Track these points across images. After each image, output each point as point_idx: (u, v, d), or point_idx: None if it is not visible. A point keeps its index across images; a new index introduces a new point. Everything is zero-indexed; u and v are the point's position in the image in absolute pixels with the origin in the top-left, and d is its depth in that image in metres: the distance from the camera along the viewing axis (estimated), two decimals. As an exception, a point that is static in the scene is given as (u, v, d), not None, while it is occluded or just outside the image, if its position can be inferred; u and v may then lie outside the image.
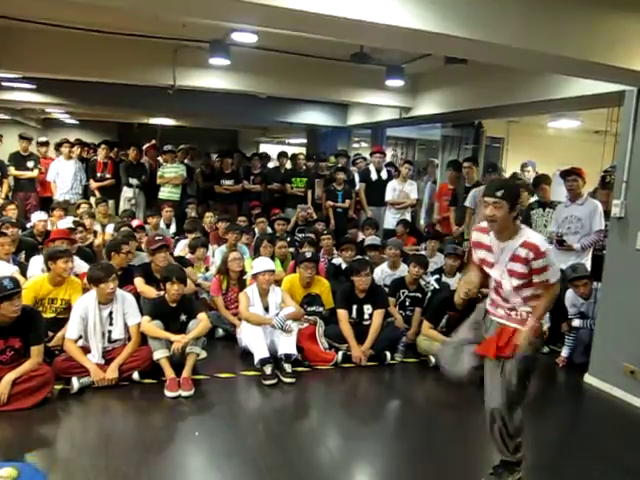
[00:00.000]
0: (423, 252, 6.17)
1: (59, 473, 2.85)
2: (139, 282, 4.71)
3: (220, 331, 4.99)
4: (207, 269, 5.80)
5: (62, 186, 8.06)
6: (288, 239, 6.50)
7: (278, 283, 4.93)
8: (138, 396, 3.81)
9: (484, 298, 2.98)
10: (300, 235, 7.34)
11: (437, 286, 5.50)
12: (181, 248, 6.13)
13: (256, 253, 5.80)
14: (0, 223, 5.29)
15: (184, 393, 3.75)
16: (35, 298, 4.09)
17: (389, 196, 7.51)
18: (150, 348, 3.94)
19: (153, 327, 3.99)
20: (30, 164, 8.05)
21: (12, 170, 7.97)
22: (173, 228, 7.28)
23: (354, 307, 4.76)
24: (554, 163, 7.61)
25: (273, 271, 4.69)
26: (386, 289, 5.21)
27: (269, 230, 6.97)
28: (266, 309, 4.55)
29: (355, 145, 13.45)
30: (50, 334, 4.05)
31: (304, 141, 12.98)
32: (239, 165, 8.97)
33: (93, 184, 8.08)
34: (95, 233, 6.45)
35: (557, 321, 4.93)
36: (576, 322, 4.79)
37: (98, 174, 8.05)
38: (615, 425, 3.91)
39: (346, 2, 2.83)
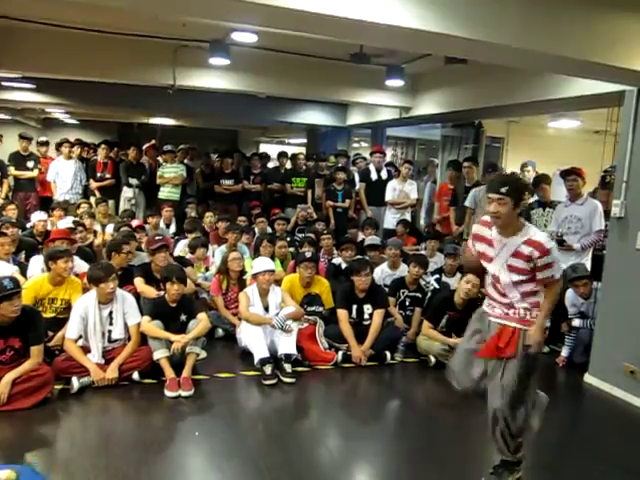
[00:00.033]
0: (423, 252, 6.17)
1: (59, 473, 2.85)
2: (139, 282, 4.71)
3: (220, 331, 4.99)
4: (207, 269, 5.80)
5: (62, 186, 8.06)
6: (288, 239, 6.50)
7: (278, 283, 4.93)
8: (138, 396, 3.81)
9: (484, 298, 2.97)
10: (300, 235, 7.34)
11: (437, 286, 5.50)
12: (181, 248, 6.13)
13: (256, 253, 5.80)
14: (0, 223, 5.29)
15: (184, 393, 3.75)
16: (35, 298, 4.09)
17: (389, 196, 7.50)
18: (150, 348, 3.94)
19: (153, 327, 3.99)
20: (30, 164, 8.05)
21: (12, 170, 7.97)
22: (173, 228, 7.28)
23: (354, 307, 4.76)
24: (554, 163, 7.60)
25: (273, 271, 4.69)
26: (386, 289, 5.21)
27: (269, 230, 6.98)
28: (266, 309, 4.55)
29: (355, 145, 13.45)
30: (50, 334, 4.05)
31: (304, 141, 12.98)
32: (239, 165, 8.97)
33: (93, 184, 8.08)
34: (95, 233, 6.45)
35: (557, 321, 4.93)
36: (576, 322, 4.79)
37: (98, 174, 8.05)
38: (615, 425, 3.91)
39: (347, 2, 2.83)
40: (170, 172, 7.93)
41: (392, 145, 13.05)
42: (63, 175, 8.08)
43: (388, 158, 10.65)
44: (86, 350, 3.88)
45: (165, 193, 7.91)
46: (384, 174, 7.81)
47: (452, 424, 3.72)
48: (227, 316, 5.01)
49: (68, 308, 4.10)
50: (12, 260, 4.91)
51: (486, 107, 6.37)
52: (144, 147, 8.89)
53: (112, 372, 3.80)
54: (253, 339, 4.27)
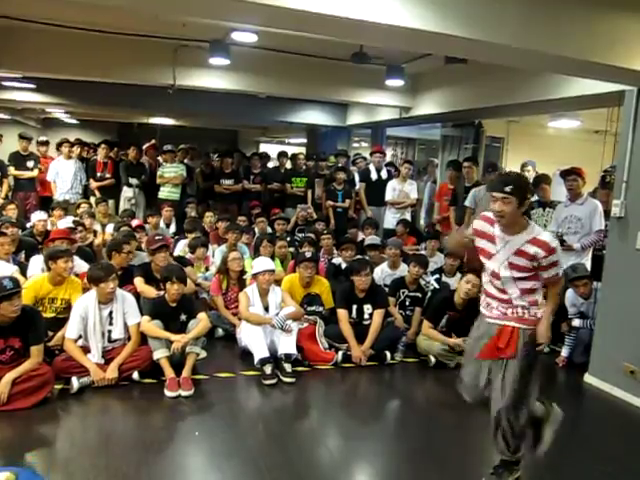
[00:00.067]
0: (423, 252, 6.17)
1: (59, 473, 2.85)
2: (139, 282, 4.71)
3: (220, 331, 4.99)
4: (207, 269, 5.80)
5: (62, 186, 8.06)
6: (288, 239, 6.51)
7: (278, 283, 4.93)
8: (138, 396, 3.81)
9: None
10: (300, 235, 7.34)
11: (437, 286, 5.51)
12: (181, 248, 6.13)
13: (256, 253, 5.80)
14: (0, 223, 5.29)
15: (184, 393, 3.75)
16: (35, 298, 4.09)
17: (389, 196, 7.50)
18: (150, 348, 3.94)
19: (153, 327, 3.99)
20: (30, 164, 8.05)
21: (12, 170, 7.96)
22: (173, 228, 7.28)
23: (354, 307, 4.76)
24: (554, 163, 7.60)
25: (273, 271, 4.69)
26: (386, 289, 5.21)
27: (269, 230, 6.98)
28: (266, 309, 4.55)
29: (355, 145, 13.44)
30: (50, 334, 4.05)
31: (304, 141, 12.98)
32: (239, 165, 8.97)
33: (93, 184, 8.08)
34: (95, 233, 6.45)
35: (557, 321, 4.92)
36: (576, 322, 4.79)
37: (98, 174, 8.05)
38: (615, 425, 3.91)
39: (348, 2, 2.83)
40: (170, 172, 7.93)
41: (392, 145, 13.05)
42: (63, 175, 8.08)
43: (388, 158, 10.65)
44: (86, 350, 3.88)
45: (165, 193, 7.92)
46: (384, 174, 7.81)
47: (452, 424, 3.72)
48: (227, 316, 5.01)
49: (68, 308, 4.10)
50: (12, 260, 4.91)
51: (486, 107, 6.36)
52: (144, 147, 8.89)
53: (112, 372, 3.80)
54: (253, 339, 4.27)
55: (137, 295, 4.46)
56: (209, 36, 5.91)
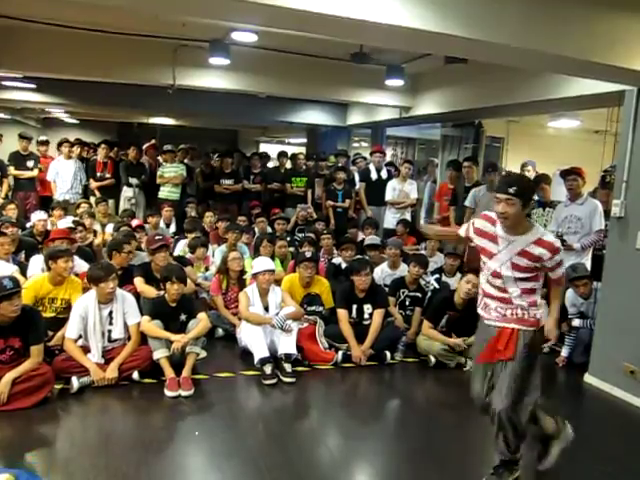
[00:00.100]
0: (423, 252, 6.17)
1: (59, 473, 2.85)
2: (139, 282, 4.71)
3: (220, 331, 4.99)
4: (207, 269, 5.80)
5: (62, 186, 8.05)
6: (288, 239, 6.51)
7: (278, 283, 4.93)
8: (138, 396, 3.81)
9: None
10: (300, 235, 7.34)
11: (437, 286, 5.51)
12: (181, 248, 6.13)
13: (256, 253, 5.80)
14: (0, 223, 5.29)
15: (184, 393, 3.75)
16: (35, 297, 4.09)
17: (389, 196, 7.50)
18: (150, 348, 3.94)
19: (153, 327, 3.99)
20: (30, 163, 8.04)
21: (12, 170, 7.96)
22: (173, 228, 7.28)
23: (354, 307, 4.76)
24: (554, 163, 7.61)
25: (273, 271, 4.69)
26: (386, 289, 5.21)
27: (269, 230, 6.98)
28: (266, 309, 4.55)
29: (355, 145, 13.44)
30: (50, 333, 4.05)
31: (304, 141, 12.98)
32: (239, 165, 8.97)
33: (93, 184, 8.08)
34: (95, 233, 6.46)
35: (557, 321, 4.92)
36: (576, 322, 4.79)
37: (98, 174, 8.05)
38: (615, 425, 3.91)
39: (349, 2, 2.83)
40: (170, 172, 7.93)
41: (392, 145, 13.06)
42: (63, 175, 8.08)
43: (388, 158, 10.65)
44: (86, 350, 3.88)
45: (165, 193, 7.92)
46: (384, 174, 7.81)
47: (452, 424, 3.72)
48: (227, 316, 5.01)
49: (68, 308, 4.10)
50: (12, 260, 4.91)
51: (486, 107, 6.36)
52: (144, 147, 8.89)
53: (112, 372, 3.80)
54: (253, 339, 4.27)
55: (137, 295, 4.46)
56: (209, 36, 5.91)
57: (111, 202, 7.87)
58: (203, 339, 4.17)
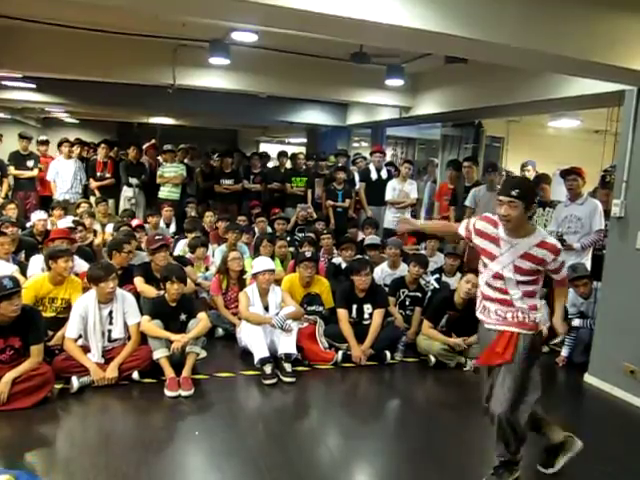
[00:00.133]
0: (423, 252, 6.17)
1: (59, 473, 2.85)
2: (139, 281, 4.71)
3: (220, 330, 4.99)
4: (207, 268, 5.80)
5: (62, 185, 8.05)
6: (288, 238, 6.51)
7: (278, 283, 4.93)
8: (138, 396, 3.81)
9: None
10: (300, 234, 7.34)
11: (437, 286, 5.51)
12: (181, 247, 6.13)
13: (256, 252, 5.80)
14: (0, 222, 5.29)
15: (184, 393, 3.75)
16: (35, 297, 4.09)
17: (389, 195, 7.50)
18: (150, 347, 3.94)
19: (153, 326, 3.99)
20: (30, 163, 8.04)
21: (12, 169, 7.96)
22: (173, 227, 7.28)
23: (354, 307, 4.76)
24: (554, 163, 7.62)
25: (273, 271, 4.69)
26: (386, 288, 5.21)
27: (269, 229, 6.98)
28: (266, 309, 4.55)
29: (355, 144, 13.45)
30: (50, 333, 4.06)
31: (304, 140, 12.98)
32: (239, 165, 8.97)
33: (93, 183, 8.07)
34: (95, 232, 6.46)
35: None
36: (576, 322, 4.79)
37: (98, 173, 8.05)
38: (615, 425, 3.91)
39: (349, 2, 2.83)
40: (170, 172, 7.93)
41: (392, 145, 13.06)
42: (63, 174, 8.07)
43: (388, 158, 10.65)
44: (86, 349, 3.88)
45: (165, 193, 7.92)
46: (384, 174, 7.81)
47: (452, 424, 3.72)
48: (227, 316, 5.01)
49: (68, 307, 4.10)
50: (12, 259, 4.91)
51: (486, 107, 6.37)
52: (144, 146, 8.89)
53: (112, 371, 3.80)
54: (253, 339, 4.27)
55: (137, 295, 4.46)
56: (209, 36, 5.90)
57: (111, 202, 7.86)
58: (203, 339, 4.17)
